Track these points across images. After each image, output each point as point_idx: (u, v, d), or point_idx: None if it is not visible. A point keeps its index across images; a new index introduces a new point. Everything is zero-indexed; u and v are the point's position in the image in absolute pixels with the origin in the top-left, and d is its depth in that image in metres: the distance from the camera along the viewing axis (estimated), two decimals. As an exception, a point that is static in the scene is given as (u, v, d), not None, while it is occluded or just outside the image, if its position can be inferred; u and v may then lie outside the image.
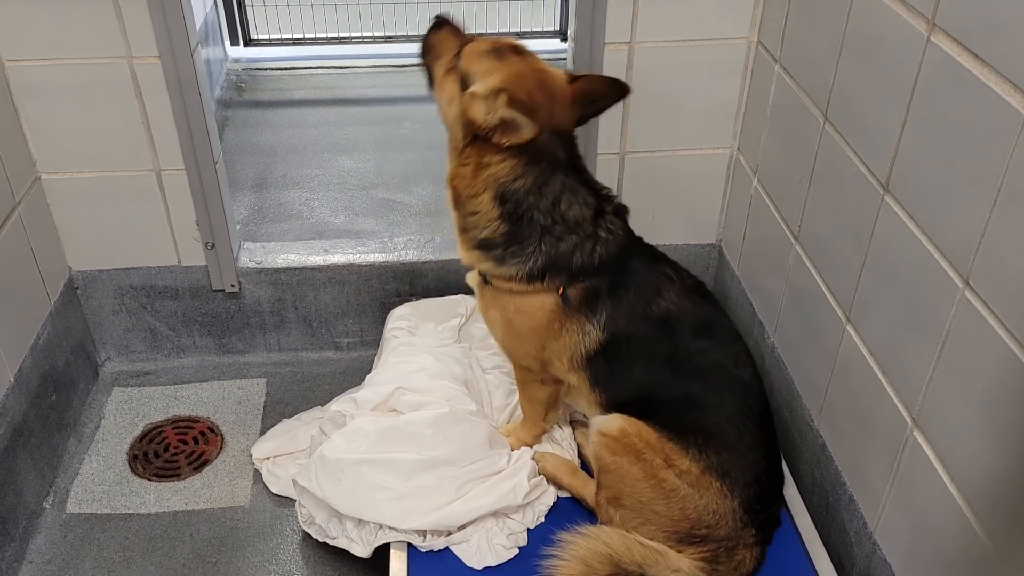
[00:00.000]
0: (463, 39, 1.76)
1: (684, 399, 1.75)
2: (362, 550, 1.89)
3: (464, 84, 1.68)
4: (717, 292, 2.56)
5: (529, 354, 1.84)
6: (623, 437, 1.73)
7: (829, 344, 1.87)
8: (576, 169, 1.73)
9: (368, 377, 2.20)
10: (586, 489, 1.88)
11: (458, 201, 1.75)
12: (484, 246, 1.75)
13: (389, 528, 1.85)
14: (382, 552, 1.87)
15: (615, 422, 1.76)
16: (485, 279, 1.84)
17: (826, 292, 1.88)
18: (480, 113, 1.63)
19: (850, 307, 1.78)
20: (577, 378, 1.83)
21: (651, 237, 2.50)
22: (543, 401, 1.93)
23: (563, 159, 1.69)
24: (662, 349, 1.76)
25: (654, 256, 1.86)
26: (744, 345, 1.86)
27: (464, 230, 1.78)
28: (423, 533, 1.84)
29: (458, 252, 1.84)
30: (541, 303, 1.75)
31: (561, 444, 2.04)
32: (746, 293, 2.37)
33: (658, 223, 2.50)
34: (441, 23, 1.83)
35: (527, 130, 1.61)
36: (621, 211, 1.81)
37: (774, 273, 2.16)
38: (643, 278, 1.79)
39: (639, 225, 2.48)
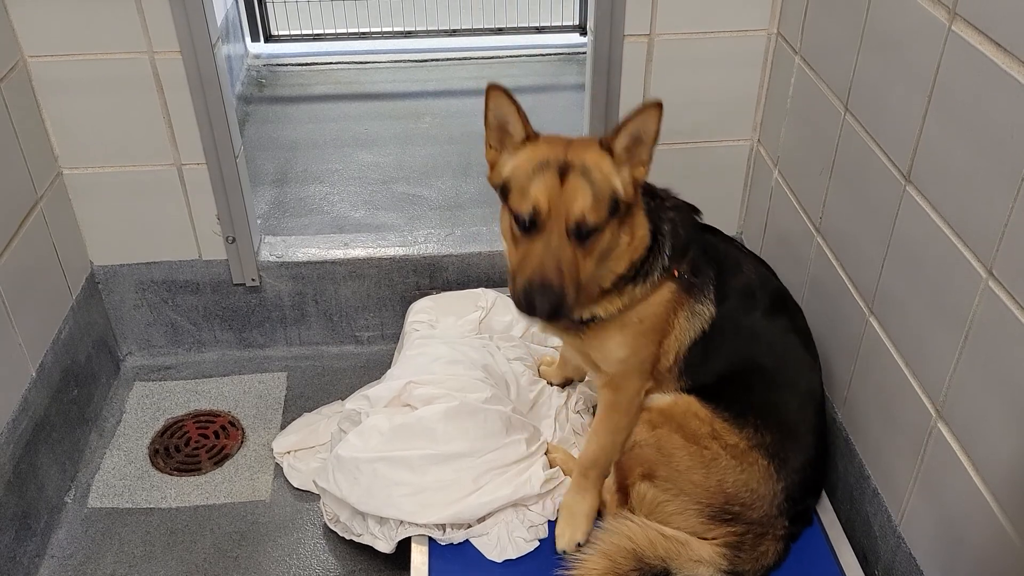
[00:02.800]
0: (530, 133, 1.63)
1: (758, 375, 1.75)
2: (385, 546, 1.91)
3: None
4: (738, 285, 2.55)
5: (647, 360, 1.74)
6: (668, 409, 1.73)
7: (852, 336, 1.85)
8: None
9: (388, 372, 2.21)
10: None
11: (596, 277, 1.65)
12: (619, 283, 1.66)
13: (409, 523, 1.85)
14: (404, 545, 1.88)
15: (664, 399, 1.75)
16: (583, 322, 1.71)
17: (848, 284, 1.86)
18: (628, 189, 1.59)
19: (872, 299, 1.76)
20: (673, 371, 1.76)
21: (671, 230, 2.51)
22: (627, 428, 1.77)
23: None
24: (747, 324, 1.76)
25: (714, 231, 1.87)
26: (806, 322, 1.87)
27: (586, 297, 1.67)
28: (443, 527, 1.84)
29: (553, 331, 1.80)
30: (661, 297, 1.70)
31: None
32: (767, 286, 2.35)
33: (678, 216, 2.49)
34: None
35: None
36: (665, 194, 1.79)
37: (795, 265, 2.14)
38: (724, 251, 1.80)
39: (659, 218, 2.47)
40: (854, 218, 1.83)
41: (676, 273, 1.69)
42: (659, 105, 1.51)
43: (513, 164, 1.59)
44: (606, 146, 1.56)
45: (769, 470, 1.69)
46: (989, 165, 1.37)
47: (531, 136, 1.61)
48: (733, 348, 1.75)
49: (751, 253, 1.93)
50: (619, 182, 1.56)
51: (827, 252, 1.96)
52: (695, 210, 1.80)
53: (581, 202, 1.50)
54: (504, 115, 1.59)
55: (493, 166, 1.66)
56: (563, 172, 1.51)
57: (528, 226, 1.52)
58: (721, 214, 2.50)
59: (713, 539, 1.69)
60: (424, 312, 2.36)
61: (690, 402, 1.73)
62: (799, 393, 1.78)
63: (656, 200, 1.73)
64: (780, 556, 1.73)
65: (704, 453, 1.69)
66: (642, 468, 1.74)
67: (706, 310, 1.72)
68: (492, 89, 1.56)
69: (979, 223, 1.40)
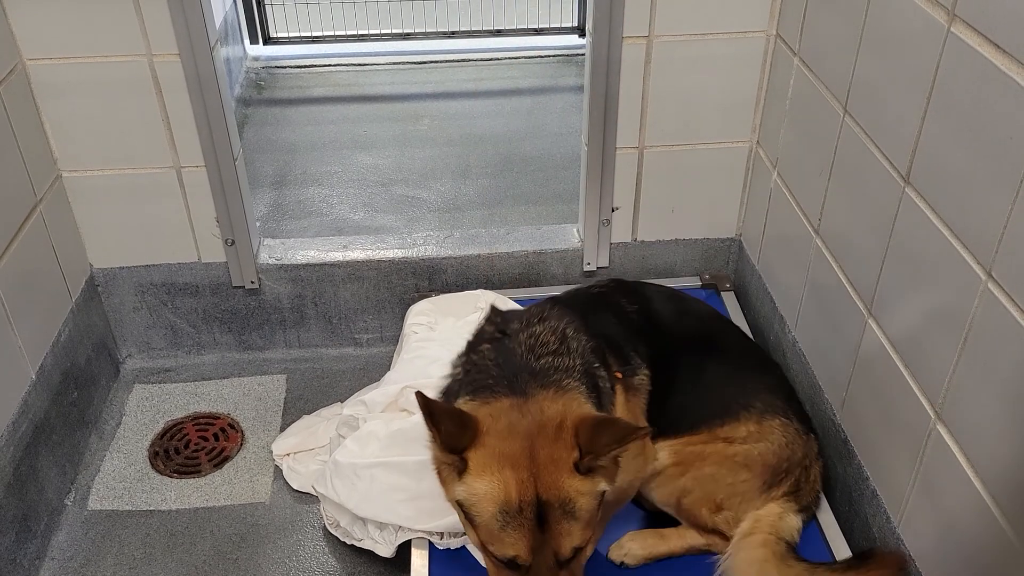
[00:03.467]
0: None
1: (710, 384, 1.83)
2: (386, 550, 1.91)
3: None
4: (737, 286, 2.55)
5: None
6: (676, 457, 1.76)
7: (851, 338, 1.85)
8: None
9: (385, 376, 2.21)
10: (686, 535, 1.83)
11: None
12: None
13: (407, 529, 1.85)
14: (404, 548, 1.88)
15: (659, 453, 1.77)
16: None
17: (847, 285, 1.87)
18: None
19: (872, 300, 1.76)
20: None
21: (670, 232, 2.52)
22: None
23: None
24: (677, 356, 1.84)
25: (604, 293, 1.94)
26: (723, 321, 2.04)
27: None
28: (442, 532, 1.84)
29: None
30: (621, 399, 1.69)
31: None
32: (766, 287, 2.36)
33: (677, 218, 2.49)
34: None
35: None
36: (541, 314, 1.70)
37: (794, 267, 2.15)
38: (619, 313, 1.86)
39: (659, 220, 2.48)
40: (853, 220, 1.84)
41: (620, 376, 1.70)
42: (647, 432, 1.42)
43: (467, 492, 1.35)
44: (585, 469, 1.34)
45: (781, 421, 1.79)
46: (988, 167, 1.37)
47: (475, 440, 1.35)
48: (678, 383, 1.80)
49: (638, 299, 1.93)
50: (599, 487, 1.37)
51: (826, 254, 1.96)
52: (575, 297, 1.86)
53: (569, 541, 1.33)
54: (438, 422, 1.34)
55: (440, 471, 1.45)
56: (540, 513, 1.32)
57: (508, 565, 1.36)
58: (720, 216, 2.51)
59: (776, 499, 1.77)
60: (423, 314, 2.36)
61: (679, 442, 1.77)
62: (746, 355, 1.97)
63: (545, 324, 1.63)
64: (822, 473, 1.87)
65: (736, 459, 1.75)
66: (707, 507, 1.77)
67: (643, 378, 1.77)
68: (419, 398, 1.34)
69: (978, 225, 1.40)
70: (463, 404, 1.48)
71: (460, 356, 1.69)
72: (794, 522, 1.76)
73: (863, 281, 1.80)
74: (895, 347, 1.68)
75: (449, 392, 1.64)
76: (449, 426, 1.34)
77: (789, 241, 2.19)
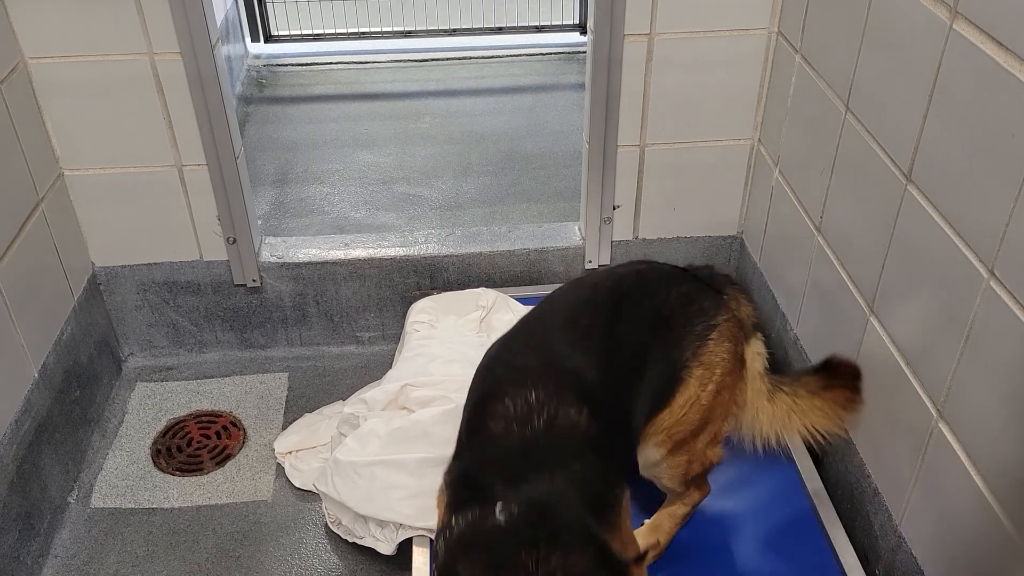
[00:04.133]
0: None
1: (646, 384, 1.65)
2: (387, 548, 1.92)
3: None
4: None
5: None
6: (666, 444, 1.68)
7: (852, 336, 1.85)
8: None
9: (386, 375, 2.21)
10: (674, 511, 1.82)
11: None
12: None
13: (408, 526, 1.86)
14: (405, 546, 1.89)
15: (652, 452, 1.70)
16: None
17: (849, 283, 1.87)
18: None
19: (873, 298, 1.76)
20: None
21: (672, 230, 2.52)
22: None
23: None
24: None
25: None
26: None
27: None
28: (442, 530, 1.84)
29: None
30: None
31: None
32: (768, 285, 2.36)
33: (679, 216, 2.49)
34: None
35: None
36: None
37: (796, 265, 2.15)
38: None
39: (660, 217, 2.48)
40: (855, 217, 1.83)
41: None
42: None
43: None
44: None
45: (711, 341, 1.66)
46: (991, 164, 1.37)
47: None
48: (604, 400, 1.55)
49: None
50: None
51: (828, 252, 1.96)
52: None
53: None
54: None
55: None
56: None
57: None
58: (721, 214, 2.51)
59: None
60: (424, 312, 2.37)
61: (657, 426, 1.67)
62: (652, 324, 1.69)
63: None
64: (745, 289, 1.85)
65: (708, 408, 1.67)
66: (710, 449, 1.74)
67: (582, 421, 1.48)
68: None
69: (980, 223, 1.40)
70: None
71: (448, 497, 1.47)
72: (758, 347, 1.76)
73: (865, 279, 1.80)
74: (897, 345, 1.68)
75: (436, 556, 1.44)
76: None
77: (791, 239, 2.18)
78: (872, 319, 1.77)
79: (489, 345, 2.14)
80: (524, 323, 1.71)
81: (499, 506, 1.32)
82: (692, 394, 1.65)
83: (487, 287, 2.46)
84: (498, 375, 1.57)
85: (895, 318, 1.69)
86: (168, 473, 2.27)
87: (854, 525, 1.88)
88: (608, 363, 1.56)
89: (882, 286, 1.73)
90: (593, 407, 1.46)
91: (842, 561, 1.79)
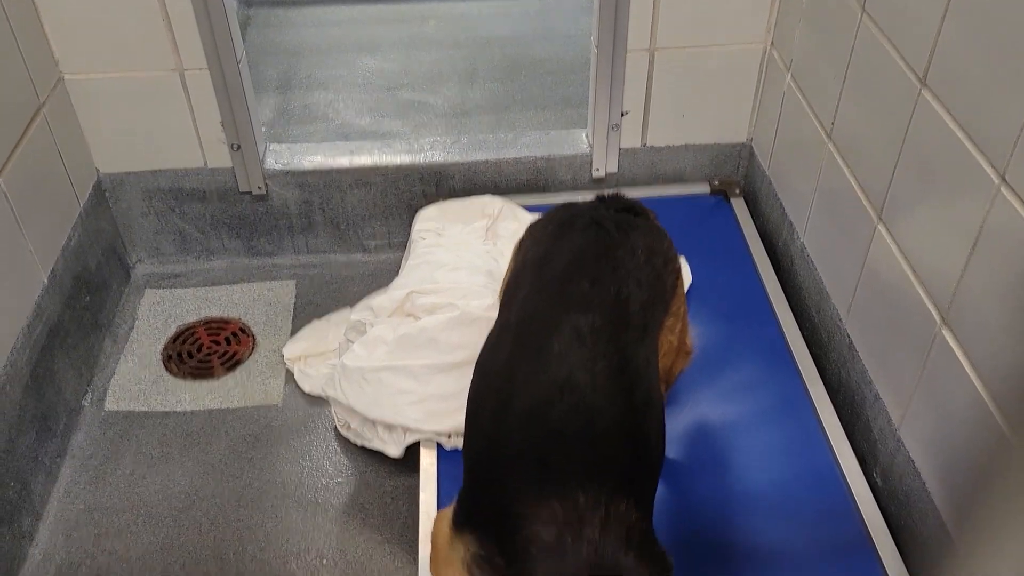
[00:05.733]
0: None
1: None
2: (395, 450, 1.96)
3: None
4: (747, 193, 2.53)
5: None
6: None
7: (860, 243, 1.85)
8: None
9: (393, 282, 2.22)
10: None
11: None
12: None
13: (415, 430, 1.89)
14: (413, 448, 1.93)
15: None
16: None
17: (858, 191, 1.85)
18: None
19: (882, 206, 1.76)
20: None
21: (680, 137, 2.49)
22: None
23: None
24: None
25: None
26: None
27: None
28: (448, 434, 1.88)
29: None
30: None
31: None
32: (776, 193, 2.34)
33: (687, 122, 2.46)
34: None
35: None
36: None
37: (805, 172, 2.13)
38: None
39: (669, 124, 2.45)
40: (867, 123, 1.81)
41: None
42: None
43: None
44: None
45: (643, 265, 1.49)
46: (1007, 68, 1.34)
47: None
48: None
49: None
50: None
51: (838, 159, 1.94)
52: None
53: None
54: None
55: None
56: None
57: None
58: (731, 121, 2.47)
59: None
60: (430, 220, 2.36)
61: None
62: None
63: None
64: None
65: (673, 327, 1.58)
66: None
67: None
68: None
69: (994, 128, 1.38)
70: None
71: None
72: None
73: (874, 186, 1.79)
74: (904, 252, 1.68)
75: None
76: None
77: (801, 146, 2.16)
78: (880, 227, 1.77)
79: (495, 252, 2.12)
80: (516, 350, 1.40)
81: None
82: (666, 341, 1.54)
83: (493, 195, 2.45)
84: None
85: (903, 225, 1.69)
86: (180, 378, 2.30)
87: (854, 430, 1.91)
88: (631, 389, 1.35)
89: (891, 193, 1.72)
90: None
91: (842, 464, 1.82)
